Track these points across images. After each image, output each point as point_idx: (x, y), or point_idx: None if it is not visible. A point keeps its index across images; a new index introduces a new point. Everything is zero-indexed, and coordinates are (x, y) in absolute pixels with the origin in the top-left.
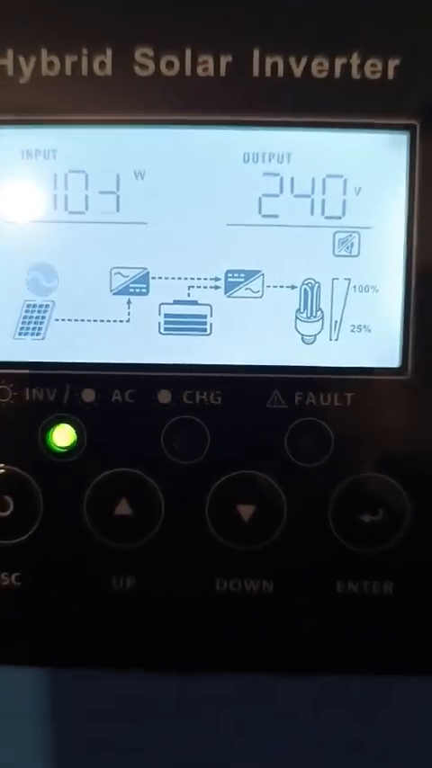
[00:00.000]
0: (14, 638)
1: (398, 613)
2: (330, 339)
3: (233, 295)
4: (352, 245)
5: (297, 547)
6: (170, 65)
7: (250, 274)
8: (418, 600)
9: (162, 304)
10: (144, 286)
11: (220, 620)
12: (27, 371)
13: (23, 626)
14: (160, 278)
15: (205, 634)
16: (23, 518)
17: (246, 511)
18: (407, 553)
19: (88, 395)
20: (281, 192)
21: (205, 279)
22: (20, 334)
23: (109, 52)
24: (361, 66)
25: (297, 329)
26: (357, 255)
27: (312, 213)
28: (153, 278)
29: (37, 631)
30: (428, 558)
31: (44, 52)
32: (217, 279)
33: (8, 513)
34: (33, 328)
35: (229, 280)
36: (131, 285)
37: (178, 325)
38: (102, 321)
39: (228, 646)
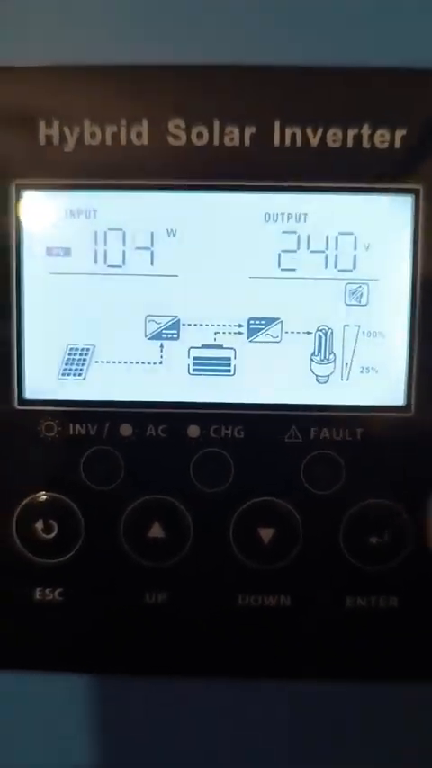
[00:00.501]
0: (58, 648)
1: (402, 625)
2: (342, 379)
3: (255, 340)
4: (362, 295)
5: (312, 566)
6: (200, 135)
7: (270, 321)
8: (421, 613)
9: (191, 348)
10: (175, 332)
11: (243, 632)
12: (70, 409)
13: (66, 637)
14: (190, 324)
15: (228, 644)
16: (66, 540)
17: (266, 534)
18: (409, 571)
19: (126, 429)
20: (298, 248)
21: (230, 325)
22: (63, 374)
23: (145, 123)
24: (371, 137)
25: (312, 370)
26: (366, 305)
27: (326, 267)
28: (183, 324)
29: (78, 642)
30: (429, 575)
31: (87, 123)
32: (240, 325)
33: (53, 535)
34: (75, 369)
35: (251, 326)
36: (164, 331)
37: (205, 366)
38: (137, 363)
39: (249, 654)
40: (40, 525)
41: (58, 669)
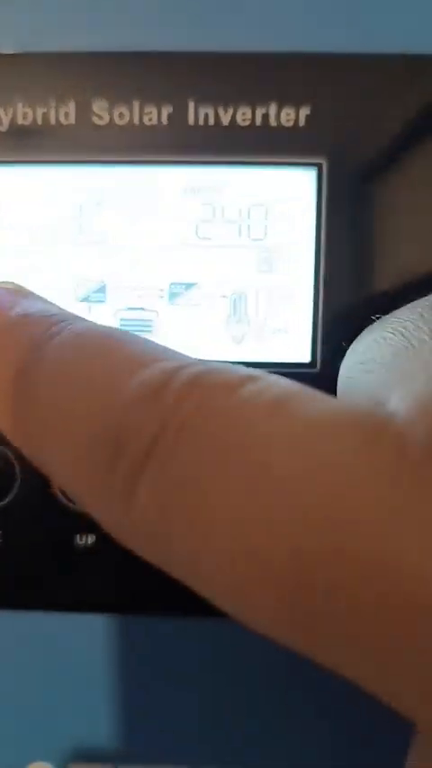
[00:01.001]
0: None
1: None
2: (255, 339)
3: (175, 303)
4: (272, 261)
5: None
6: (122, 115)
7: (189, 286)
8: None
9: (117, 310)
10: (102, 295)
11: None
12: None
13: (4, 576)
14: (116, 288)
15: (158, 582)
16: (2, 486)
17: None
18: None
19: None
20: (213, 218)
21: (152, 289)
22: None
23: (72, 105)
24: (277, 116)
25: (228, 331)
26: (276, 271)
27: (240, 235)
28: (110, 289)
29: (15, 580)
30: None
31: (19, 105)
32: (162, 290)
33: None
34: None
35: (172, 291)
36: (92, 294)
37: (130, 327)
38: None
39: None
40: None
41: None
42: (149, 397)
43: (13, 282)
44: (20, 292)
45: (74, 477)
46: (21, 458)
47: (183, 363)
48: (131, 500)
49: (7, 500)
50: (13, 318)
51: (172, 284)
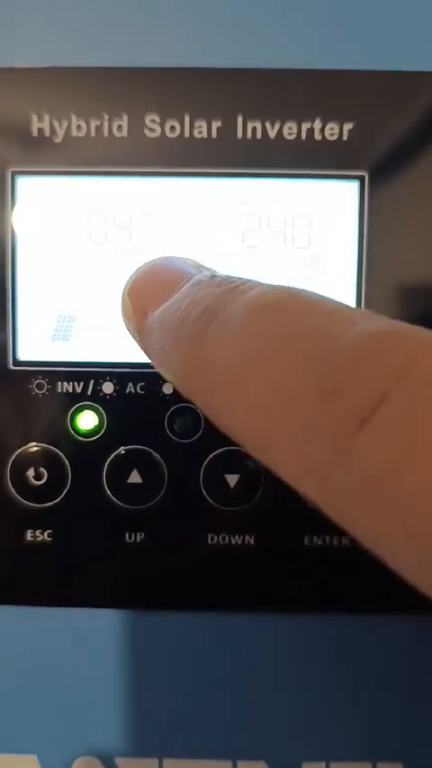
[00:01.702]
0: (46, 584)
1: (357, 559)
2: None
3: None
4: (317, 268)
5: (273, 508)
6: (173, 128)
7: None
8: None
9: None
10: None
11: (212, 569)
12: (59, 369)
13: (54, 574)
14: None
15: (199, 580)
16: (55, 486)
17: (232, 479)
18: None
19: (108, 387)
20: (259, 227)
21: None
22: (53, 338)
23: (125, 117)
24: (322, 130)
25: None
26: (319, 279)
27: (284, 244)
28: None
29: (65, 578)
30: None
31: (73, 117)
32: None
33: (43, 482)
34: (64, 334)
35: None
36: None
37: None
38: (119, 328)
39: (218, 590)
40: (31, 473)
41: (46, 604)
42: (378, 352)
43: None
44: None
45: (274, 413)
46: (72, 457)
47: (397, 326)
48: (348, 445)
49: (58, 500)
50: (205, 278)
51: None
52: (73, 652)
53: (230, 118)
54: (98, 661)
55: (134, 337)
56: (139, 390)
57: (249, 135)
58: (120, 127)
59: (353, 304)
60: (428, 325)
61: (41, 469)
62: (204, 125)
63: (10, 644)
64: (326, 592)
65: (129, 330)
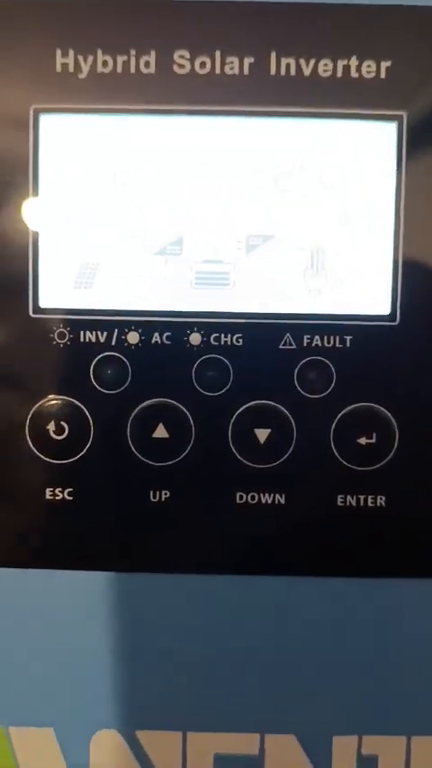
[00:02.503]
0: (66, 545)
1: (390, 523)
2: (333, 292)
3: (252, 255)
4: (351, 214)
5: (304, 465)
6: (203, 65)
7: (266, 238)
8: (406, 512)
9: (194, 262)
10: (179, 248)
11: (241, 528)
12: (82, 317)
13: (74, 535)
14: (193, 241)
15: (228, 539)
16: (76, 441)
17: (262, 434)
18: (397, 471)
19: (133, 337)
20: (293, 170)
21: (230, 242)
22: (76, 285)
23: (153, 53)
24: (359, 68)
25: (306, 284)
26: (355, 223)
27: (318, 188)
28: (186, 241)
29: (86, 540)
30: (415, 476)
31: (99, 52)
32: (239, 242)
33: (64, 436)
34: (87, 282)
35: (250, 243)
36: (169, 247)
37: (207, 280)
38: (145, 276)
39: (246, 549)
40: (51, 427)
41: (67, 567)
42: None
43: None
44: None
45: None
46: (95, 411)
47: None
48: None
49: (79, 456)
50: None
51: (250, 236)
52: (93, 621)
53: (263, 54)
54: (119, 630)
55: None
56: (165, 340)
57: (283, 72)
58: (147, 63)
59: (390, 251)
60: None
61: (62, 424)
62: (236, 61)
63: (26, 613)
64: (361, 555)
65: None
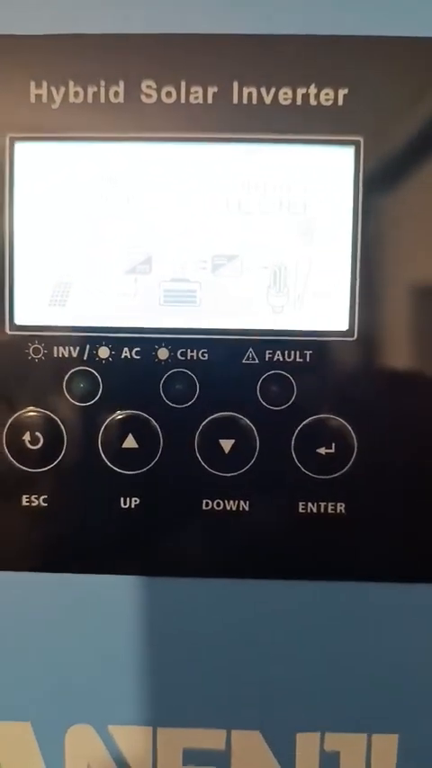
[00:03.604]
0: (40, 550)
1: (349, 529)
2: (294, 309)
3: (218, 274)
4: (312, 234)
5: (267, 474)
6: (169, 94)
7: (231, 258)
8: (365, 518)
9: (162, 281)
10: (148, 267)
11: (206, 533)
12: (55, 334)
13: (48, 539)
14: (161, 260)
15: (195, 546)
16: (50, 451)
17: (226, 444)
18: (356, 480)
19: (104, 352)
20: (255, 193)
21: (196, 261)
22: (50, 303)
23: (121, 84)
24: (317, 95)
25: (268, 301)
26: (315, 243)
27: (281, 209)
28: (155, 260)
29: (60, 544)
30: (373, 484)
31: (71, 84)
32: (205, 261)
33: (39, 446)
34: (60, 300)
35: (215, 262)
36: (138, 266)
37: (175, 297)
38: (115, 294)
39: (213, 555)
40: (27, 437)
41: (40, 569)
42: None
43: None
44: None
45: None
46: (68, 422)
47: None
48: None
49: (53, 464)
50: None
51: (215, 256)
52: (66, 619)
53: (226, 83)
54: (91, 629)
55: None
56: (134, 355)
57: (245, 100)
58: (116, 93)
59: (349, 269)
60: (426, 293)
61: (37, 434)
62: (200, 91)
63: (2, 612)
64: (318, 559)
65: None
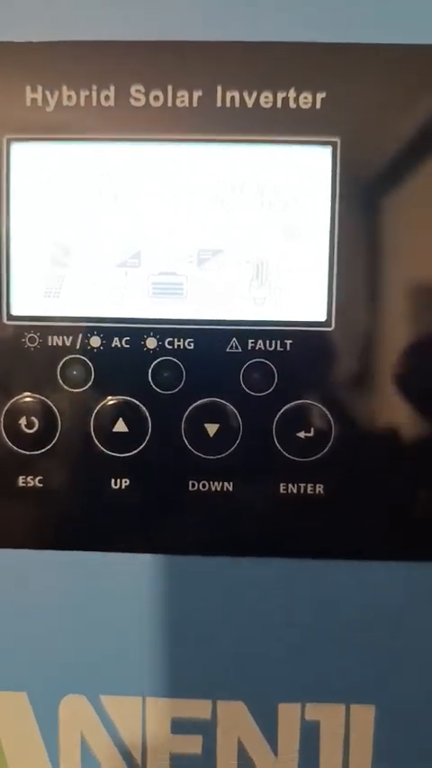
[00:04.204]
0: (36, 528)
1: (327, 509)
2: (275, 301)
3: (203, 268)
4: (292, 230)
5: (250, 456)
6: (156, 98)
7: (216, 252)
8: (343, 499)
9: (151, 274)
10: (137, 261)
11: (193, 513)
12: (50, 324)
13: (44, 518)
14: (150, 255)
15: (180, 523)
16: (45, 434)
17: (211, 428)
18: (333, 462)
19: (95, 341)
20: (239, 191)
21: (183, 256)
22: (45, 294)
23: (112, 88)
24: (296, 99)
25: (251, 293)
26: (296, 239)
27: (262, 207)
28: (144, 255)
29: (55, 522)
30: (350, 467)
31: (64, 88)
32: (191, 255)
33: (34, 430)
34: (55, 291)
35: (201, 257)
36: (129, 260)
37: (163, 289)
38: (107, 286)
39: (198, 533)
40: (23, 422)
41: (36, 546)
42: None
43: None
44: None
45: None
46: (62, 407)
47: None
48: None
49: (48, 447)
50: None
51: (201, 251)
52: (60, 594)
53: (211, 88)
54: (84, 604)
55: None
56: (124, 344)
57: (228, 104)
58: (107, 97)
59: (326, 263)
60: (399, 286)
61: (33, 419)
62: (186, 95)
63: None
64: (302, 538)
65: None
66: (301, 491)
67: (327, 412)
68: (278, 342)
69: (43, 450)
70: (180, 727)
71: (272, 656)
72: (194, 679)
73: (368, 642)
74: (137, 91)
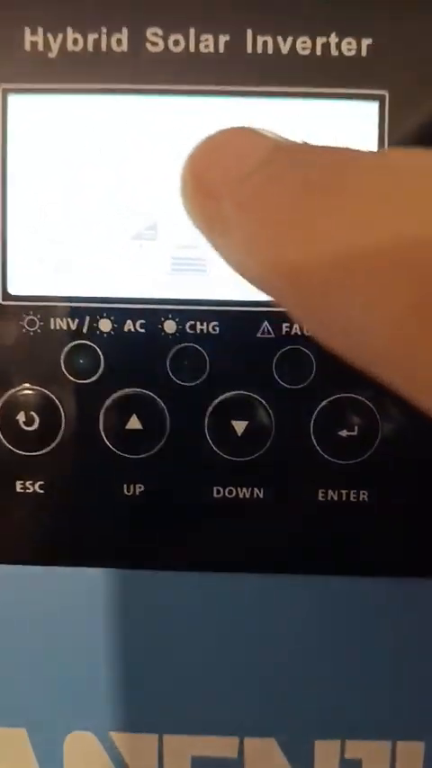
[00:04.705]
0: (37, 540)
1: (372, 519)
2: None
3: None
4: None
5: (284, 458)
6: (177, 42)
7: None
8: (390, 507)
9: (169, 247)
10: (154, 233)
11: (218, 525)
12: (52, 304)
13: (45, 529)
14: (168, 226)
15: (204, 536)
16: (47, 432)
17: (239, 426)
18: (380, 465)
19: (105, 325)
20: None
21: None
22: (47, 271)
23: (125, 31)
24: (338, 45)
25: None
26: None
27: None
28: (162, 226)
29: (57, 534)
30: (398, 470)
31: (69, 30)
32: None
33: (34, 427)
34: (58, 267)
35: None
36: (144, 232)
37: (183, 265)
38: (119, 261)
39: (223, 547)
40: (21, 418)
41: (36, 562)
42: None
43: None
44: None
45: None
46: (66, 401)
47: None
48: None
49: (50, 447)
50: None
51: None
52: (65, 617)
53: (239, 32)
54: (91, 628)
55: (202, 230)
56: (138, 328)
57: (260, 50)
58: (119, 41)
59: None
60: None
61: (33, 414)
62: (211, 39)
63: None
64: (343, 552)
65: (193, 221)
66: (343, 498)
67: (372, 407)
68: None
69: (45, 451)
70: (202, 766)
71: (307, 687)
72: (219, 713)
73: (416, 672)
74: (154, 34)
